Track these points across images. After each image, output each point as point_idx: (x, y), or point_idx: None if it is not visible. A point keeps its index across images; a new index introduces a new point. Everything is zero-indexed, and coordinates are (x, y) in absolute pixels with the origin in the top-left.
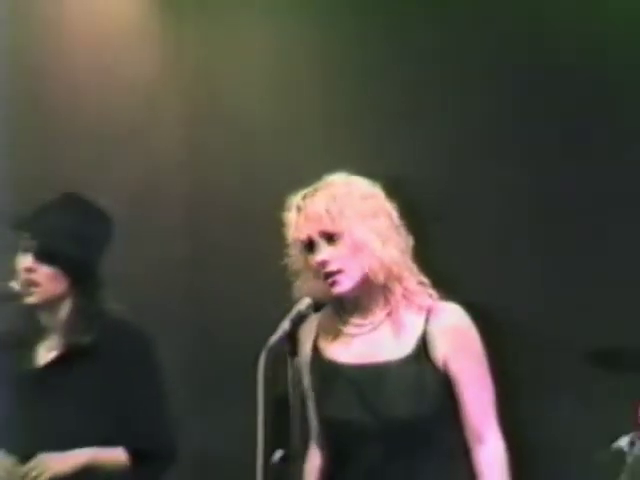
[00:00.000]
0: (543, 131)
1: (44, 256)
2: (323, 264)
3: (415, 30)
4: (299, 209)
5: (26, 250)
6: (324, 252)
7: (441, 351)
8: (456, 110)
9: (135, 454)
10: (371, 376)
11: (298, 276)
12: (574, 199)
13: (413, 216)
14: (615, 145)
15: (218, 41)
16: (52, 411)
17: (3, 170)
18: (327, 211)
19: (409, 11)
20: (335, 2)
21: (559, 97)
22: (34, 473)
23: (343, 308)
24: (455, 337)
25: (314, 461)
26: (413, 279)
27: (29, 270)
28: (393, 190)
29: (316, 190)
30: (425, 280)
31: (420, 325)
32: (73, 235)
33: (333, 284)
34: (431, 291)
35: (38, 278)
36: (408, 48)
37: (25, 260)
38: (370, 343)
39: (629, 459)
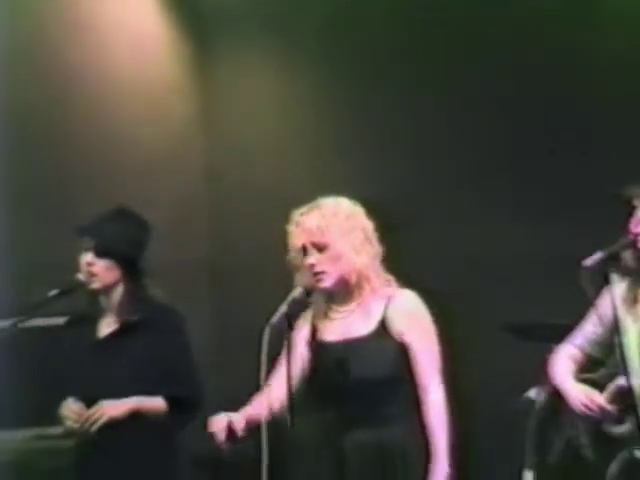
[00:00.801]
0: (492, 162)
1: (100, 253)
2: (312, 266)
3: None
4: (297, 223)
5: (87, 249)
6: (313, 257)
7: (397, 327)
8: (419, 144)
9: (171, 402)
10: (346, 349)
11: (297, 270)
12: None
13: (384, 227)
14: (559, 163)
15: (235, 95)
16: (110, 371)
17: (74, 191)
18: (317, 227)
19: (378, 66)
20: (325, 63)
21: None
22: (96, 415)
23: (330, 298)
24: (406, 315)
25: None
26: (380, 278)
27: (90, 264)
28: (370, 207)
29: (311, 209)
30: (390, 277)
31: (381, 309)
32: (121, 236)
33: (318, 281)
34: (393, 284)
35: (96, 270)
36: (379, 100)
37: (86, 257)
38: (346, 325)
39: (536, 405)
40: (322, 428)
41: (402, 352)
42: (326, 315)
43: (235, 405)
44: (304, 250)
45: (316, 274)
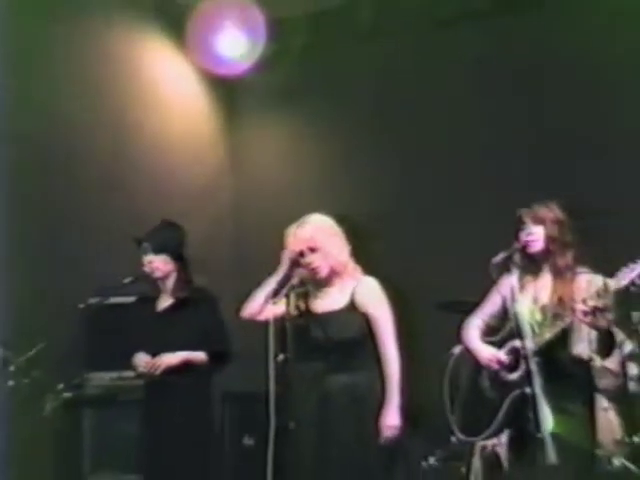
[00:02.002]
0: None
1: (157, 251)
2: (309, 264)
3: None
4: (295, 235)
5: (146, 252)
6: (309, 258)
7: (363, 303)
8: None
9: (210, 355)
10: (328, 317)
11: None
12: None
13: (355, 235)
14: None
15: (254, 147)
16: (167, 333)
17: (135, 220)
18: (311, 236)
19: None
20: (322, 125)
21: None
22: (158, 363)
23: (317, 284)
24: (369, 295)
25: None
26: (352, 268)
27: (150, 262)
28: (340, 221)
29: (303, 224)
30: (358, 267)
31: (351, 289)
32: (171, 238)
33: (316, 273)
34: (360, 271)
35: (156, 265)
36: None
37: (148, 257)
38: (329, 300)
39: (451, 360)
40: (312, 374)
41: (366, 320)
42: (315, 295)
43: (253, 356)
44: (301, 254)
45: (313, 269)
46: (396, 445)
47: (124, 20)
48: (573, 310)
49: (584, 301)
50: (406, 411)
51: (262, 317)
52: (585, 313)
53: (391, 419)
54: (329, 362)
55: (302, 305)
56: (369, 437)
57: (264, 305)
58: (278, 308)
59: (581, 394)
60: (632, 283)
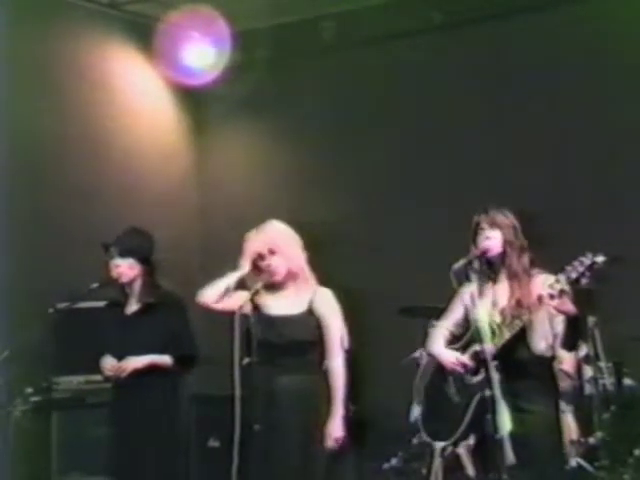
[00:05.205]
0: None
1: (124, 256)
2: (269, 266)
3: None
4: (256, 237)
5: (113, 256)
6: (269, 259)
7: (319, 312)
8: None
9: (176, 358)
10: (285, 320)
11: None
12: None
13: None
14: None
15: (220, 153)
16: (134, 337)
17: (104, 226)
18: (272, 238)
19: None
20: (285, 134)
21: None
22: (124, 367)
23: (272, 287)
24: (326, 305)
25: None
26: (308, 276)
27: (117, 266)
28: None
29: (264, 227)
30: (312, 276)
31: (309, 298)
32: (137, 243)
33: (273, 275)
34: (314, 280)
35: (122, 269)
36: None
37: (114, 261)
38: (285, 305)
39: (421, 363)
40: (261, 374)
41: (319, 327)
42: (271, 299)
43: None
44: (261, 256)
45: (271, 270)
46: (341, 451)
47: (93, 33)
48: (540, 299)
49: (550, 286)
50: (365, 414)
51: (217, 307)
52: (552, 296)
53: (335, 430)
54: (279, 363)
55: (258, 306)
56: (314, 437)
57: (221, 296)
58: (234, 303)
59: (544, 394)
60: (582, 275)
